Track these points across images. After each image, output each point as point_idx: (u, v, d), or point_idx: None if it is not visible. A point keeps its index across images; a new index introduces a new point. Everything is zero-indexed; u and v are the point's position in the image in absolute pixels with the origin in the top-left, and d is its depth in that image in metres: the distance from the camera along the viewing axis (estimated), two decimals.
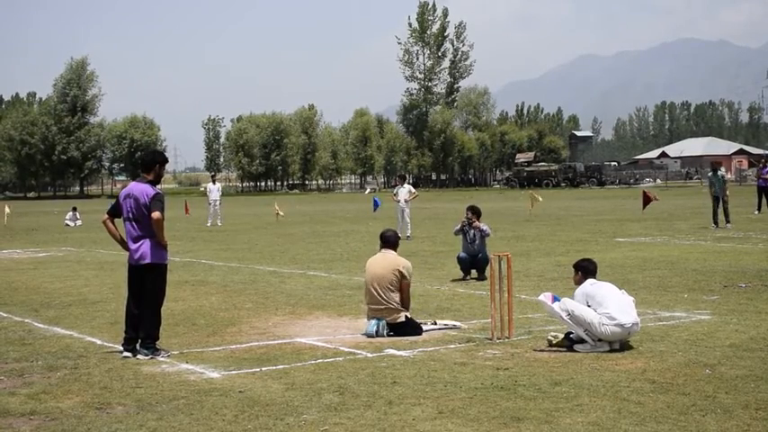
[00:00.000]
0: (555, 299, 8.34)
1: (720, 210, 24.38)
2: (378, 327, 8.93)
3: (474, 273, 13.84)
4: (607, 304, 8.08)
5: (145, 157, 8.77)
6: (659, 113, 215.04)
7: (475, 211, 14.27)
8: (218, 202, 32.18)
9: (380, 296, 9.03)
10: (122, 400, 6.53)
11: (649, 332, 8.83)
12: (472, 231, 14.03)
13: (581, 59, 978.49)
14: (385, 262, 9.24)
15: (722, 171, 25.37)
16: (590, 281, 8.47)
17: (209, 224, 31.31)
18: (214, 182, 33.65)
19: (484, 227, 14.07)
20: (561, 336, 8.22)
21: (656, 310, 10.29)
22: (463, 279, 13.66)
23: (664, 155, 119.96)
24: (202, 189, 36.44)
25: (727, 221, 24.24)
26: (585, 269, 8.63)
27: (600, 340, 7.98)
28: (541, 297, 8.48)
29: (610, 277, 13.47)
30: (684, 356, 7.65)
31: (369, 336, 8.89)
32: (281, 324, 9.85)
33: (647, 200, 28.25)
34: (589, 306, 8.14)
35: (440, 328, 9.26)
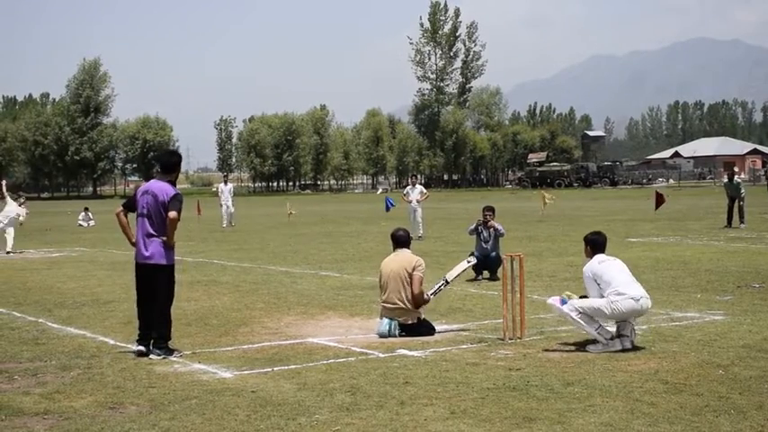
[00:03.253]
0: (563, 301, 8.31)
1: (735, 210, 24.39)
2: (390, 326, 8.93)
3: (486, 273, 13.83)
4: (616, 283, 8.05)
5: (165, 158, 8.79)
6: (672, 113, 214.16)
7: (492, 211, 14.31)
8: (230, 203, 31.95)
9: (395, 295, 9.04)
10: (135, 399, 6.55)
11: (662, 332, 8.80)
12: (487, 231, 14.04)
13: (593, 59, 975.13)
14: (400, 260, 9.25)
15: (738, 179, 25.45)
16: (598, 258, 8.37)
17: (224, 225, 31.12)
18: (226, 182, 33.28)
19: (499, 226, 14.09)
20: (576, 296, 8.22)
21: (668, 310, 10.25)
22: (475, 279, 13.65)
23: (677, 155, 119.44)
24: (214, 189, 35.61)
25: (741, 221, 24.18)
26: (594, 242, 8.52)
27: (612, 339, 7.96)
28: (550, 300, 8.48)
29: None
30: (697, 357, 7.62)
31: (381, 335, 8.89)
32: (293, 324, 9.86)
33: (659, 200, 28.17)
34: (597, 284, 8.10)
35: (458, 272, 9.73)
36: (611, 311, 7.95)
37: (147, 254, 8.20)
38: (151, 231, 8.20)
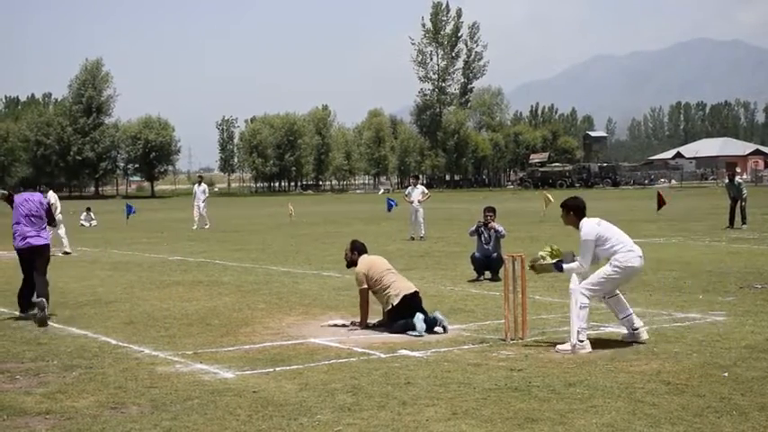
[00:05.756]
0: (559, 265, 8.39)
1: (738, 210, 24.37)
2: (433, 318, 9.15)
3: (487, 273, 13.82)
4: (624, 240, 8.31)
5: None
6: (674, 114, 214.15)
7: (492, 211, 14.31)
8: (201, 204, 30.82)
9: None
10: (137, 399, 6.55)
11: (664, 333, 8.79)
12: (487, 232, 14.03)
13: (595, 59, 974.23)
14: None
15: (739, 179, 25.40)
16: (594, 220, 8.42)
17: (194, 227, 30.25)
18: (200, 183, 32.13)
19: (499, 227, 14.07)
20: (550, 260, 8.44)
21: (670, 311, 10.25)
22: (476, 280, 13.65)
23: (679, 155, 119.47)
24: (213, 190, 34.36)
25: (743, 222, 24.16)
26: (578, 207, 8.51)
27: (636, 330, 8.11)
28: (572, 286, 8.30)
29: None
30: (699, 358, 7.61)
31: (423, 332, 8.96)
32: (295, 324, 9.86)
33: (661, 200, 28.19)
34: (598, 246, 8.22)
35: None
36: (624, 271, 8.16)
37: (41, 239, 10.99)
38: (37, 224, 11.00)
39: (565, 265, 8.36)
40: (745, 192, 24.79)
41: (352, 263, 9.96)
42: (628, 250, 8.23)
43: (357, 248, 9.96)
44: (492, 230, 14.00)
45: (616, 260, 8.17)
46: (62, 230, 20.77)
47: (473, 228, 14.37)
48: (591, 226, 8.32)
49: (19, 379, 7.34)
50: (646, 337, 8.27)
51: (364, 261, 9.75)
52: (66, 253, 20.32)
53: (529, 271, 8.85)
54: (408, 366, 7.52)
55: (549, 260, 8.48)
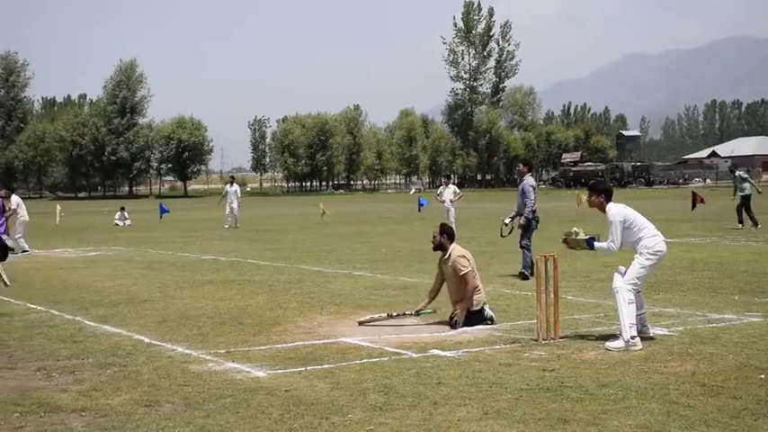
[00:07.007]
0: (590, 242, 8.73)
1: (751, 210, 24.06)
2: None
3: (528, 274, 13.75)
4: (649, 226, 8.51)
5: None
6: (709, 112, 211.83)
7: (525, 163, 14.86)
8: (235, 204, 31.26)
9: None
10: (170, 397, 6.61)
11: (699, 334, 8.69)
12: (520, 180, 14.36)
13: (628, 58, 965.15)
14: None
15: (740, 172, 24.97)
16: (622, 204, 8.70)
17: (226, 226, 30.69)
18: (232, 183, 32.44)
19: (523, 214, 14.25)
20: (583, 235, 8.72)
21: (705, 311, 10.13)
22: (522, 277, 13.62)
23: (714, 154, 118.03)
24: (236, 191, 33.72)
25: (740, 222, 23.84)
26: (609, 191, 8.81)
27: (633, 338, 8.01)
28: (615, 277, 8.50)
29: (658, 278, 13.29)
30: (735, 359, 7.51)
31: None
32: (327, 324, 9.88)
33: (695, 199, 27.90)
34: (625, 229, 8.49)
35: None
36: (655, 255, 8.33)
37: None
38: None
39: (596, 243, 8.67)
40: (747, 179, 24.21)
41: (439, 246, 9.98)
42: (653, 235, 8.44)
43: (447, 232, 9.99)
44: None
45: (644, 247, 8.38)
46: (20, 233, 21.73)
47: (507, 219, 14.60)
48: (618, 208, 8.65)
49: (55, 376, 7.43)
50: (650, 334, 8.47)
51: (461, 250, 9.89)
52: (24, 251, 21.01)
53: (561, 244, 9.10)
54: (440, 366, 7.51)
55: (583, 236, 8.76)
